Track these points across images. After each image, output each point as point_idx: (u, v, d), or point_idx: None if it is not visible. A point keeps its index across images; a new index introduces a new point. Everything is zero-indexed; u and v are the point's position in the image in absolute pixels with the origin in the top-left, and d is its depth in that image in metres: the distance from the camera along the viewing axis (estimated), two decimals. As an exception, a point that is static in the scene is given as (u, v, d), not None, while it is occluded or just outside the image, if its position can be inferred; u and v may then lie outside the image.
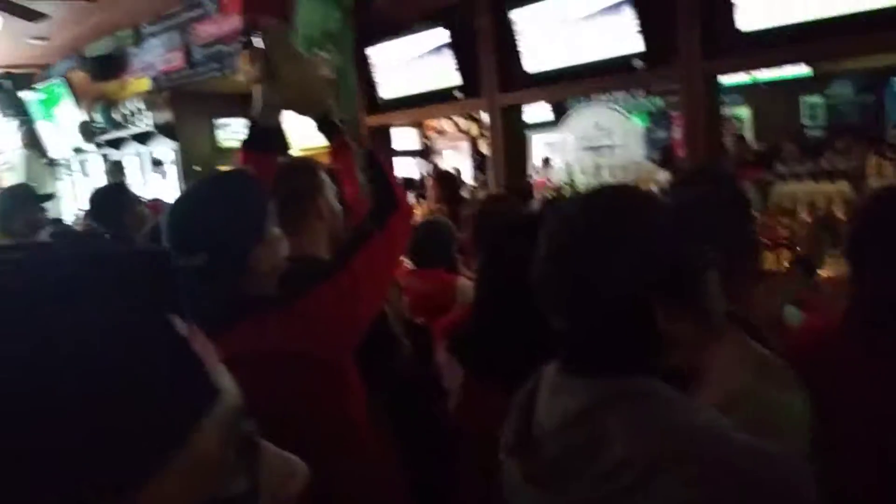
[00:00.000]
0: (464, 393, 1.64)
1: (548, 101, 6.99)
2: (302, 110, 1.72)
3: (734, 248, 1.31)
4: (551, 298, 0.96)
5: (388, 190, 1.64)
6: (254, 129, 1.78)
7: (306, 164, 1.98)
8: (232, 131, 7.61)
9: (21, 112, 9.41)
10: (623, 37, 4.43)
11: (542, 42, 4.90)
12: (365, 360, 1.59)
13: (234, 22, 5.85)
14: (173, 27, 6.68)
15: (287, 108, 1.72)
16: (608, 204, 0.98)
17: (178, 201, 1.44)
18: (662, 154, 6.85)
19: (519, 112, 5.72)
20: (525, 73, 5.11)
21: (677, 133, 7.30)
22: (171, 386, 0.46)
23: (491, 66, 5.33)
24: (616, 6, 4.39)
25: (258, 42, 1.69)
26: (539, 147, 8.53)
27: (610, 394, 0.89)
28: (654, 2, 4.32)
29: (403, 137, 7.27)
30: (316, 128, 1.74)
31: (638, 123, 6.84)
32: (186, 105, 7.23)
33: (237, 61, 5.95)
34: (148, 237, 2.52)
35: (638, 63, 4.46)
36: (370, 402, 1.64)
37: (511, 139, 5.59)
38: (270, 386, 1.08)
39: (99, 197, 3.70)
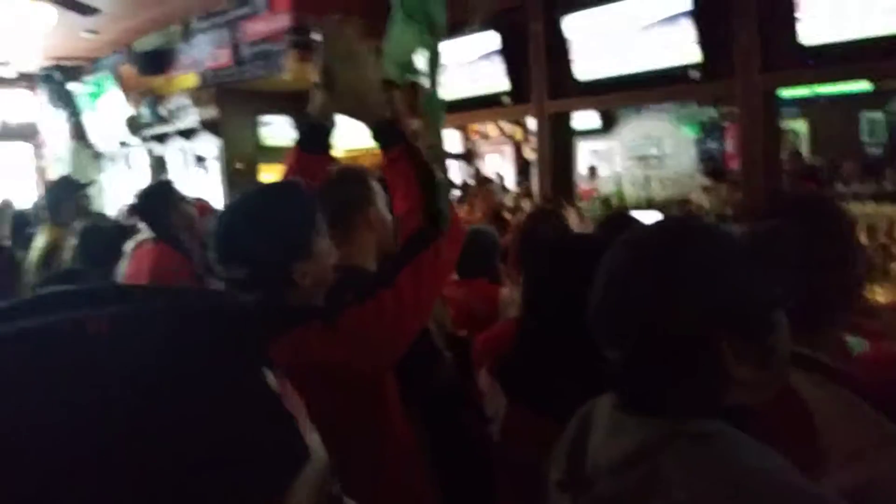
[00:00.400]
0: (508, 420, 1.57)
1: (597, 109, 6.89)
2: (357, 115, 1.64)
3: (826, 288, 1.20)
4: (608, 330, 0.91)
5: (434, 201, 1.57)
6: (308, 129, 1.75)
7: (358, 173, 1.94)
8: (275, 130, 7.63)
9: (69, 104, 9.55)
10: (680, 47, 4.35)
11: (594, 50, 4.84)
12: (405, 373, 1.56)
13: (282, 21, 5.85)
14: (222, 24, 6.71)
15: (340, 111, 1.66)
16: (675, 234, 0.93)
17: (226, 213, 1.45)
18: (714, 166, 6.69)
19: (567, 119, 5.63)
20: (575, 80, 5.04)
21: (730, 144, 7.14)
22: (266, 447, 0.45)
23: (541, 73, 5.25)
24: (674, 17, 4.32)
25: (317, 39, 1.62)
26: (585, 155, 8.42)
27: (668, 434, 0.85)
28: (713, 13, 4.24)
29: (446, 140, 7.19)
30: (371, 135, 1.64)
31: (689, 134, 6.69)
32: (231, 102, 7.25)
33: (284, 60, 5.94)
34: (200, 245, 2.50)
35: (695, 74, 4.37)
36: (408, 415, 1.60)
37: (558, 146, 5.51)
38: (308, 399, 1.04)
39: (146, 194, 3.72)
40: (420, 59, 1.72)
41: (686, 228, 0.96)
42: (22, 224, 5.14)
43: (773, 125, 4.42)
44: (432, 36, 1.71)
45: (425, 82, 1.73)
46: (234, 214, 1.44)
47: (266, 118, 7.56)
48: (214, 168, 7.59)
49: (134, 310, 0.44)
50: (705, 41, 4.27)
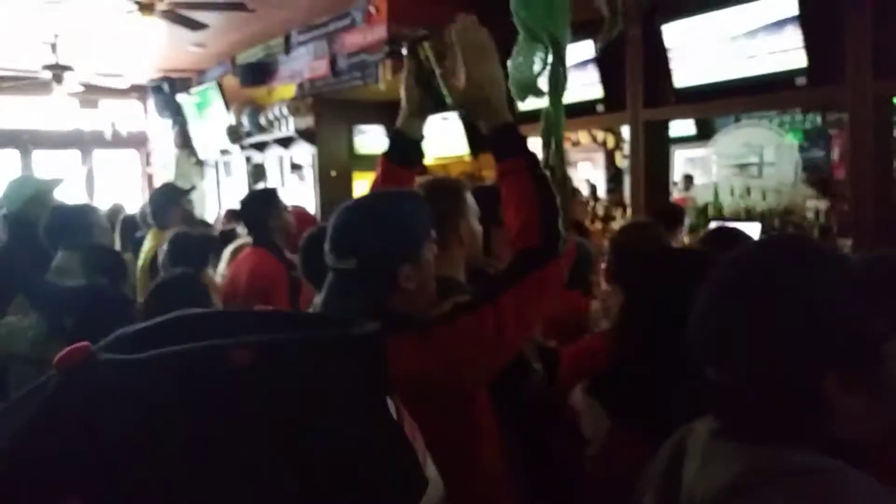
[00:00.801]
0: (610, 442, 1.52)
1: (695, 117, 6.71)
2: (480, 113, 1.56)
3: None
4: (708, 353, 0.88)
5: (555, 224, 1.50)
6: (396, 140, 1.75)
7: (452, 185, 1.92)
8: (369, 138, 7.78)
9: (176, 114, 10.03)
10: (785, 53, 4.19)
11: (694, 57, 4.71)
12: (494, 386, 1.52)
13: (379, 32, 5.96)
14: (321, 36, 6.90)
15: (464, 107, 1.60)
16: (780, 257, 0.89)
17: (346, 207, 1.46)
18: (818, 176, 6.38)
19: (663, 127, 5.51)
20: (672, 87, 4.93)
21: (836, 153, 6.80)
22: (388, 476, 0.45)
23: (637, 80, 5.16)
24: (780, 23, 4.17)
25: (450, 36, 1.58)
26: (680, 163, 8.19)
27: (771, 467, 0.80)
28: (820, 18, 4.07)
29: (536, 147, 7.15)
30: (489, 138, 1.56)
31: (792, 141, 6.41)
32: (327, 111, 7.44)
33: (379, 70, 6.06)
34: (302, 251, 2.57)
35: (801, 80, 4.21)
36: (499, 429, 1.57)
37: (652, 154, 5.39)
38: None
39: (250, 200, 3.82)
40: (543, 80, 1.68)
41: (792, 251, 0.91)
42: (131, 228, 5.40)
43: (886, 133, 4.19)
44: (556, 56, 1.67)
45: (548, 103, 1.70)
46: (353, 209, 1.46)
47: (360, 127, 7.72)
48: (310, 175, 7.80)
49: (275, 341, 0.44)
50: (812, 46, 4.11)
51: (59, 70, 7.76)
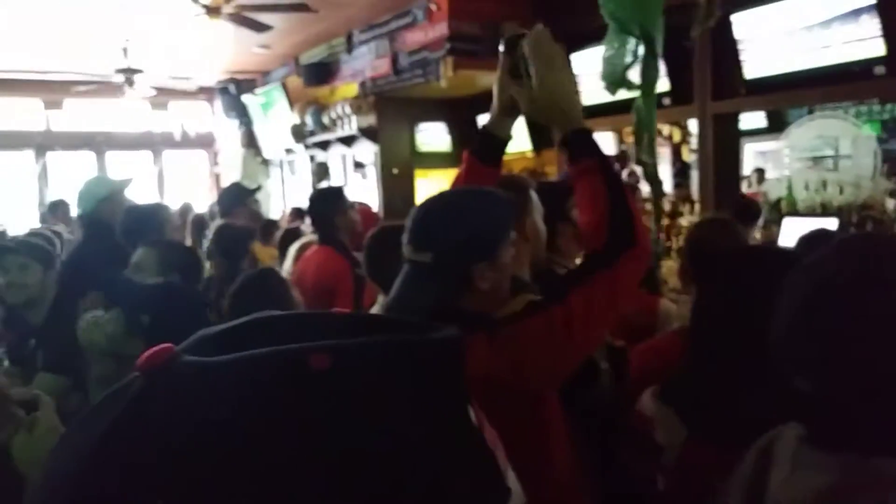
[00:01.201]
0: (687, 451, 1.47)
1: (766, 109, 6.51)
2: (552, 119, 1.57)
3: None
4: (798, 358, 0.85)
5: (626, 223, 1.48)
6: (484, 138, 1.73)
7: (518, 183, 1.91)
8: (430, 136, 7.80)
9: (242, 114, 10.26)
10: (862, 42, 4.03)
11: (765, 48, 4.57)
12: (564, 387, 1.49)
13: (440, 29, 5.97)
14: (383, 35, 6.94)
15: (535, 115, 1.60)
16: (865, 260, 0.85)
17: (428, 200, 1.46)
18: (897, 169, 6.10)
19: (733, 120, 5.35)
20: (742, 79, 4.79)
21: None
22: (470, 486, 0.44)
23: (705, 72, 5.03)
24: (856, 11, 4.02)
25: (520, 42, 1.59)
26: (750, 157, 7.95)
27: (866, 476, 0.77)
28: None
29: (599, 142, 7.06)
30: (559, 142, 1.58)
31: (870, 133, 6.15)
32: (389, 109, 7.49)
33: (441, 68, 6.07)
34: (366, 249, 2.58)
35: (879, 70, 4.03)
36: (570, 433, 1.54)
37: (721, 148, 5.24)
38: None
39: (316, 198, 3.84)
40: (634, 74, 1.66)
41: (877, 253, 0.87)
42: (200, 226, 5.54)
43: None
44: (647, 48, 1.64)
45: (639, 98, 1.67)
46: (435, 203, 1.46)
47: (421, 125, 7.75)
48: (372, 173, 7.87)
49: (354, 345, 0.44)
50: (891, 34, 3.93)
51: (130, 73, 8.03)
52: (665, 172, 8.70)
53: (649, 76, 1.64)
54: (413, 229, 1.41)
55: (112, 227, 3.26)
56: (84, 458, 0.39)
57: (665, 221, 5.84)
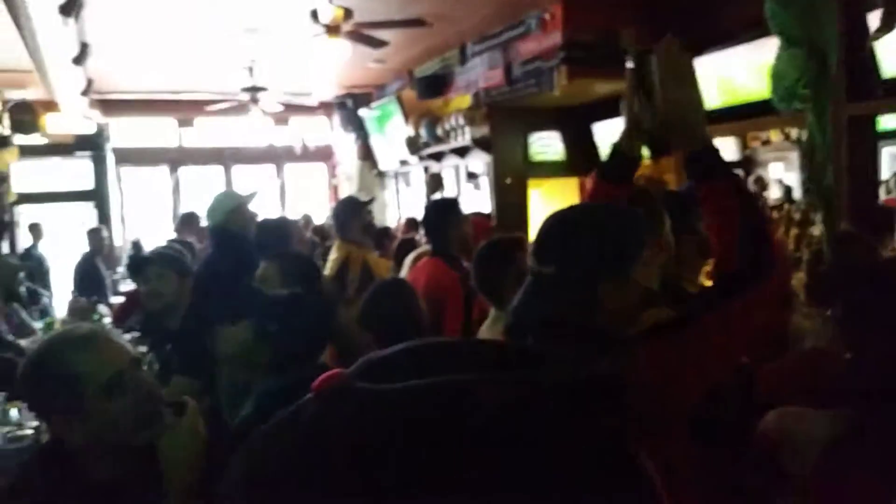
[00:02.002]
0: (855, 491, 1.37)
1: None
2: (678, 137, 1.54)
3: None
4: None
5: (759, 248, 1.42)
6: (613, 156, 1.70)
7: (650, 198, 1.87)
8: (544, 145, 7.75)
9: (358, 128, 10.56)
10: None
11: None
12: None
13: (554, 38, 5.92)
14: (496, 45, 6.97)
15: (660, 132, 1.57)
16: None
17: (557, 212, 1.44)
18: None
19: (870, 122, 5.01)
20: (879, 78, 4.47)
21: None
22: None
23: (839, 73, 4.73)
24: None
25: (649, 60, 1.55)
26: (888, 161, 7.42)
27: None
28: None
29: (722, 147, 6.78)
30: (686, 162, 1.52)
31: None
32: (502, 119, 7.49)
33: (554, 77, 6.02)
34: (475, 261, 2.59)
35: None
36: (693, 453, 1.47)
37: (857, 153, 4.90)
38: None
39: (430, 209, 3.90)
40: (803, 86, 1.60)
41: None
42: (321, 237, 5.74)
43: None
44: (818, 64, 1.57)
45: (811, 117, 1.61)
46: (563, 216, 1.43)
47: (535, 134, 7.71)
48: (485, 183, 7.89)
49: (526, 383, 0.44)
50: None
51: (255, 92, 8.44)
52: (792, 178, 8.25)
53: (820, 91, 1.56)
54: (539, 241, 1.38)
55: (240, 238, 3.44)
56: (267, 482, 0.41)
57: (794, 231, 5.54)
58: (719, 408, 1.71)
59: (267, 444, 0.44)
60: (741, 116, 5.40)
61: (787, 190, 7.74)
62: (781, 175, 8.38)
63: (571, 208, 1.46)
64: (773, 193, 8.04)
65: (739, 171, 8.42)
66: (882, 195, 5.87)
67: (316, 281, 2.82)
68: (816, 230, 5.67)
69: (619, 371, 0.45)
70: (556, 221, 1.40)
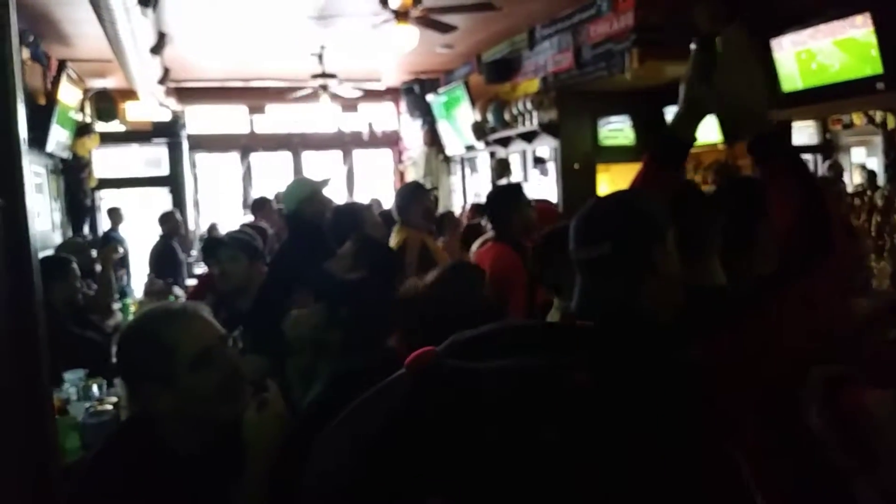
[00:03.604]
0: None
1: None
2: (741, 122, 1.53)
3: None
4: None
5: (821, 229, 1.41)
6: (666, 140, 1.67)
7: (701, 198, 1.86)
8: (613, 129, 7.62)
9: (426, 113, 10.61)
10: None
11: None
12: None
13: (626, 20, 5.81)
14: (565, 28, 6.88)
15: (724, 116, 1.56)
16: None
17: (588, 203, 1.41)
18: None
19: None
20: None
21: None
22: None
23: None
24: None
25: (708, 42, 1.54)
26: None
27: None
28: None
29: (802, 131, 6.54)
30: (748, 146, 1.53)
31: None
32: (570, 104, 7.41)
33: (626, 60, 5.89)
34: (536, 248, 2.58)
35: None
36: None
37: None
38: None
39: (494, 196, 3.90)
40: None
41: None
42: (388, 222, 5.79)
43: None
44: None
45: None
46: (595, 202, 1.40)
47: (604, 118, 7.59)
48: (552, 168, 7.82)
49: (616, 365, 0.45)
50: None
51: (325, 78, 8.56)
52: (877, 164, 7.91)
53: None
54: (581, 229, 1.34)
55: (314, 224, 3.50)
56: (363, 451, 0.43)
57: (877, 218, 5.30)
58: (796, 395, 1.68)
59: (363, 418, 0.46)
60: (820, 99, 5.19)
61: (871, 175, 7.42)
62: (864, 160, 8.04)
63: (600, 196, 1.45)
64: (856, 179, 7.72)
65: (817, 156, 8.14)
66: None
67: (388, 266, 2.86)
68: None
69: (699, 358, 0.45)
70: (591, 209, 1.37)
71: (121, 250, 5.80)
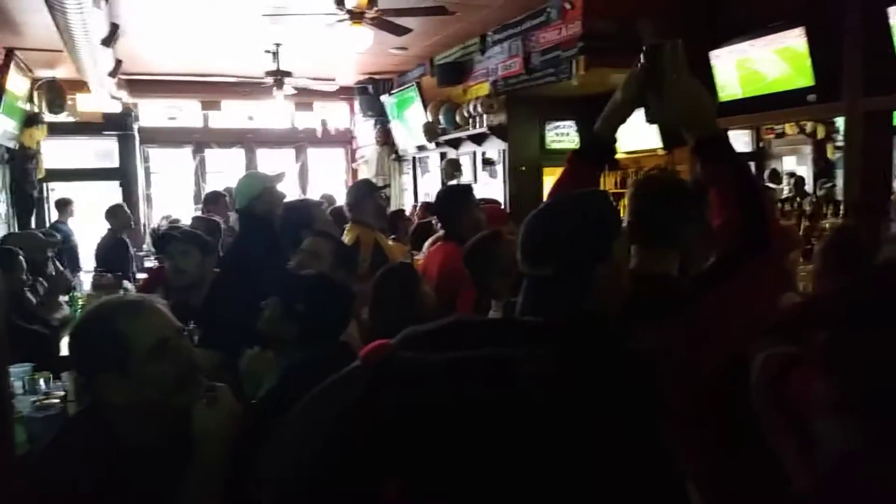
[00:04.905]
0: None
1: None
2: (688, 124, 1.59)
3: None
4: None
5: (759, 227, 1.48)
6: (593, 141, 1.76)
7: (681, 189, 1.91)
8: (559, 133, 7.82)
9: (379, 113, 10.65)
10: None
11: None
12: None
13: (574, 28, 5.98)
14: (516, 34, 7.02)
15: (671, 120, 1.62)
16: None
17: (535, 214, 1.44)
18: None
19: (887, 118, 5.05)
20: (897, 73, 4.51)
21: None
22: (653, 494, 0.49)
23: (856, 67, 4.78)
24: None
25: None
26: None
27: None
28: None
29: (735, 139, 6.82)
30: (693, 147, 1.59)
31: None
32: (519, 108, 7.56)
33: (573, 66, 6.07)
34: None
35: None
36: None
37: (872, 148, 4.96)
38: None
39: (443, 195, 3.92)
40: None
41: None
42: (338, 219, 5.83)
43: None
44: None
45: None
46: (542, 215, 1.43)
47: (551, 123, 7.78)
48: (501, 170, 7.97)
49: (564, 355, 0.49)
50: None
51: (279, 76, 8.54)
52: (806, 171, 8.26)
53: None
54: (528, 245, 1.38)
55: (266, 220, 3.49)
56: (324, 441, 0.46)
57: (805, 223, 5.59)
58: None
59: (321, 407, 0.49)
60: (758, 108, 5.44)
61: (798, 182, 7.75)
62: (794, 168, 8.37)
63: (546, 206, 1.47)
64: (785, 186, 8.05)
65: (751, 164, 8.43)
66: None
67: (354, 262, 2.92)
68: (828, 223, 5.72)
69: (641, 349, 0.51)
70: (537, 222, 1.41)
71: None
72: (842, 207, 5.37)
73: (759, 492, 1.62)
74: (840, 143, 6.90)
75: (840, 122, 6.23)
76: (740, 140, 8.44)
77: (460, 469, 0.43)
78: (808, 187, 7.68)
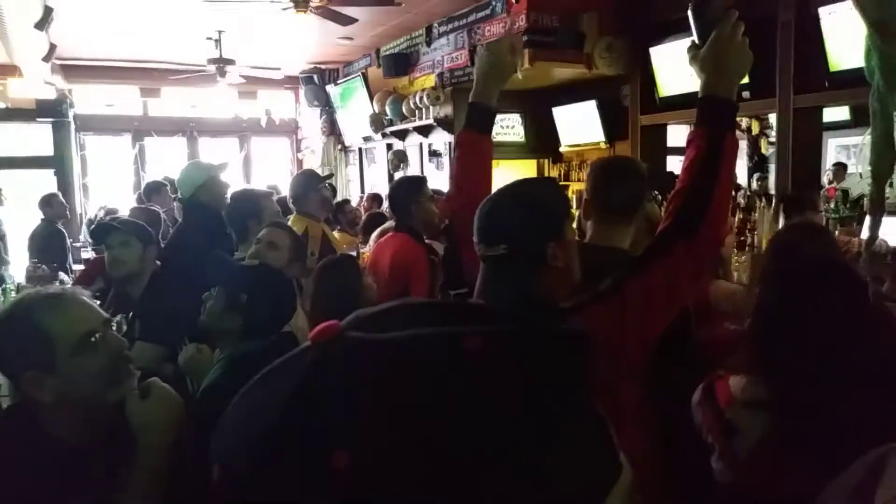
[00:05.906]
0: (762, 457, 1.41)
1: (853, 103, 6.34)
2: (715, 74, 1.61)
3: None
4: None
5: (698, 209, 1.52)
6: (477, 110, 2.00)
7: (640, 168, 2.02)
8: (504, 126, 7.88)
9: (325, 103, 10.56)
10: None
11: (853, 40, 4.46)
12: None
13: (520, 21, 6.04)
14: (462, 27, 7.05)
15: (702, 63, 1.63)
16: None
17: (489, 198, 1.53)
18: None
19: (816, 114, 5.26)
20: (827, 72, 4.70)
21: None
22: (591, 464, 0.50)
23: (788, 65, 4.95)
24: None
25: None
26: (832, 151, 7.72)
27: None
28: None
29: (677, 134, 7.00)
30: (700, 101, 1.61)
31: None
32: (465, 100, 7.49)
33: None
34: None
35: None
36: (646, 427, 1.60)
37: (803, 143, 5.16)
38: None
39: (396, 186, 3.91)
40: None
41: None
42: (283, 210, 5.77)
43: None
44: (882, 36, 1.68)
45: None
46: (496, 198, 1.52)
47: (496, 116, 7.82)
48: (446, 162, 8.01)
49: (505, 331, 0.49)
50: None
51: (222, 63, 8.40)
52: (741, 166, 8.52)
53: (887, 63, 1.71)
54: (482, 227, 1.48)
55: (209, 210, 3.46)
56: (274, 417, 0.46)
57: (739, 216, 5.77)
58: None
59: (269, 385, 0.49)
60: (692, 106, 5.58)
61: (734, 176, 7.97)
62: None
63: (499, 191, 1.55)
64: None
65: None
66: (824, 184, 6.14)
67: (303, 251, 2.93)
68: (758, 216, 5.91)
69: (585, 330, 0.54)
70: (491, 206, 1.49)
71: None
72: (773, 201, 5.56)
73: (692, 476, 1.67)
74: (773, 139, 7.14)
75: (773, 118, 6.43)
76: (682, 135, 8.65)
77: (406, 440, 0.44)
78: (743, 181, 7.91)
